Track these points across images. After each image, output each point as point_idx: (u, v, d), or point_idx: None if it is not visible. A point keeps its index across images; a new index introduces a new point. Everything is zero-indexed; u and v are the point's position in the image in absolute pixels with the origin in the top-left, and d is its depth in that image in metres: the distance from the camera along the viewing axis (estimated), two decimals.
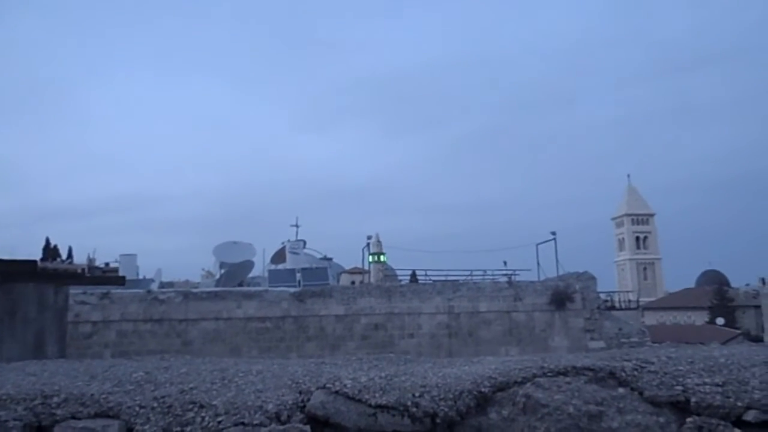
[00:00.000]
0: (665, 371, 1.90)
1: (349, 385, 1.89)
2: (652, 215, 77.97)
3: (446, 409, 1.80)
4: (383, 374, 2.00)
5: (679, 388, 1.82)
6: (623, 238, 77.68)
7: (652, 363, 1.99)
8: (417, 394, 1.83)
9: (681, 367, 1.94)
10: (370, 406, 1.82)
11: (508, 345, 21.16)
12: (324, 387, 1.91)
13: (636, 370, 1.89)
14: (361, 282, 26.15)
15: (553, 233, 25.49)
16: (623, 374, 1.86)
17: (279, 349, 19.31)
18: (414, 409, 1.79)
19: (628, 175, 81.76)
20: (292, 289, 20.10)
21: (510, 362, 2.04)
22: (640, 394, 1.82)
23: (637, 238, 76.73)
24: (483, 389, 1.84)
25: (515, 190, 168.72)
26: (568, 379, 1.84)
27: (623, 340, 22.40)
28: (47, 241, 32.19)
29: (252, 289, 20.41)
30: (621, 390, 1.82)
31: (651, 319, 47.96)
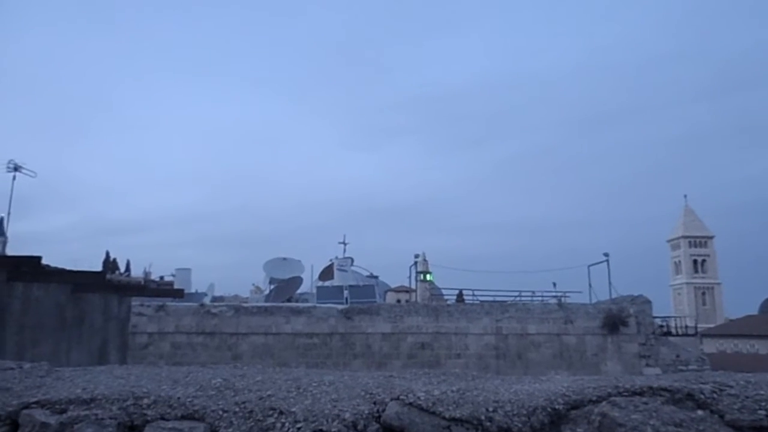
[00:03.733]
0: (746, 395, 1.85)
1: (422, 398, 1.93)
2: (710, 237, 74.61)
3: (520, 425, 1.81)
4: (455, 388, 2.03)
5: (762, 412, 1.77)
6: (680, 261, 74.57)
7: (731, 386, 1.94)
8: (491, 409, 1.85)
9: (762, 392, 1.89)
10: (444, 418, 1.85)
11: (558, 368, 20.60)
12: (398, 398, 1.95)
13: (715, 392, 1.85)
14: (407, 301, 26.10)
15: (606, 254, 24.86)
16: (702, 396, 1.83)
17: (326, 366, 19.46)
18: (488, 424, 1.82)
19: (685, 196, 78.85)
20: (339, 306, 20.29)
21: (582, 381, 2.03)
22: (721, 417, 1.78)
23: (695, 262, 73.49)
24: (557, 406, 1.85)
25: (567, 209, 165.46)
26: (644, 399, 1.82)
27: (681, 367, 21.46)
28: (107, 254, 33.67)
29: (301, 305, 20.72)
30: (700, 412, 1.79)
31: (710, 346, 45.66)
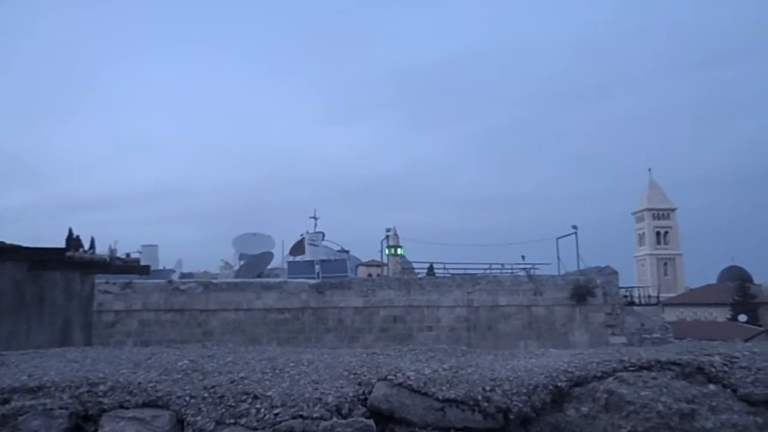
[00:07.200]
0: (757, 367, 1.74)
1: (412, 377, 1.76)
2: (673, 210, 76.66)
3: (520, 405, 1.66)
4: (446, 366, 1.87)
5: None
6: (643, 233, 76.55)
7: (738, 358, 1.83)
8: (488, 388, 1.69)
9: None
10: (437, 400, 1.68)
11: (528, 339, 20.94)
12: (385, 379, 1.78)
13: (726, 365, 1.73)
14: (378, 275, 26.05)
15: (575, 227, 25.17)
16: (713, 369, 1.71)
17: (298, 341, 19.30)
18: (485, 404, 1.66)
19: (649, 169, 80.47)
20: (311, 281, 20.07)
21: (583, 355, 1.89)
22: (734, 391, 1.66)
23: (658, 234, 75.55)
24: (559, 384, 1.70)
25: (537, 184, 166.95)
26: (653, 374, 1.69)
27: (645, 335, 22.05)
28: (70, 231, 32.51)
29: (271, 280, 20.43)
30: (712, 387, 1.67)
31: (671, 315, 47.25)
